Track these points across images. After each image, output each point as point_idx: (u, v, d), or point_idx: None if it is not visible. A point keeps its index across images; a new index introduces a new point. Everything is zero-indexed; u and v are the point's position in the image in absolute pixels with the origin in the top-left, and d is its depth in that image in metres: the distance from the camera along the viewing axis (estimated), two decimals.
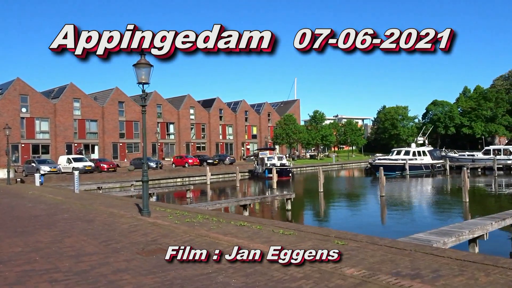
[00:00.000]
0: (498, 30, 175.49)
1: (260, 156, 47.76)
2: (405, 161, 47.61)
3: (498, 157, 51.79)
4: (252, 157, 63.84)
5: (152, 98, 62.46)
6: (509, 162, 50.13)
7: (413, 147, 51.53)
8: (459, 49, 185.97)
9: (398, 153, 50.72)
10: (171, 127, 64.86)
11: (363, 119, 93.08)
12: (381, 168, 29.43)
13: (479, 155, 53.70)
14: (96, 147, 56.58)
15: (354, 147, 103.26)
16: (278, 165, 43.38)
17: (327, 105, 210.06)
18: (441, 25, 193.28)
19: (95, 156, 55.02)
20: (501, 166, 50.44)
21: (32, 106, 50.53)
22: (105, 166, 45.28)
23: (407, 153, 49.98)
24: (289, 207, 22.74)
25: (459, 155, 56.99)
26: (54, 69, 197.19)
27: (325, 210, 25.29)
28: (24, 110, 50.06)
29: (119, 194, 27.02)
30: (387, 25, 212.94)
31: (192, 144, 66.80)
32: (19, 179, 36.55)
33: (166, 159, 60.15)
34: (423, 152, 51.01)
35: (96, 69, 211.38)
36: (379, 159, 49.02)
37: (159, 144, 63.00)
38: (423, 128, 73.34)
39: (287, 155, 56.39)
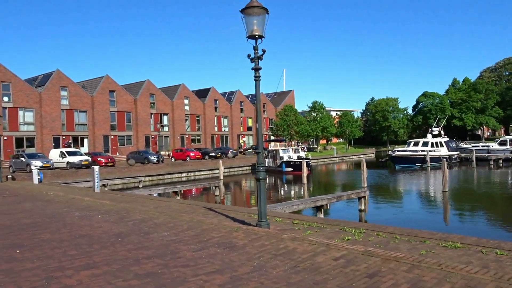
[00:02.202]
0: (485, 22, 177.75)
1: (270, 148, 44.10)
2: (425, 153, 45.06)
3: None
4: (250, 150, 60.22)
5: (145, 87, 57.82)
6: None
7: (430, 138, 49.11)
8: (448, 41, 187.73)
9: (416, 144, 48.23)
10: (165, 118, 60.36)
11: (350, 112, 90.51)
12: (444, 159, 26.32)
13: (494, 146, 51.89)
14: (85, 140, 51.64)
15: (341, 140, 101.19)
16: (295, 158, 39.90)
17: (313, 97, 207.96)
18: (430, 18, 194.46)
19: (85, 149, 50.03)
20: None
21: (15, 94, 45.15)
22: (103, 160, 40.70)
23: (425, 144, 47.50)
24: (362, 206, 19.39)
25: (472, 146, 55.09)
26: (37, 54, 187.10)
27: (415, 211, 22.04)
28: (6, 99, 44.66)
29: (143, 193, 22.98)
30: (373, 17, 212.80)
31: (187, 136, 62.56)
32: (10, 176, 31.72)
33: (160, 152, 55.63)
34: (440, 143, 48.72)
35: (84, 55, 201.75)
36: (398, 151, 46.29)
37: (152, 136, 58.50)
38: (437, 118, 71.33)
39: (304, 147, 52.91)
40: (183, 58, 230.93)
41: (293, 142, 51.59)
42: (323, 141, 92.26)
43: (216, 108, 66.98)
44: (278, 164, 40.92)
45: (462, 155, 51.95)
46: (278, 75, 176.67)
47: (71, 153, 39.17)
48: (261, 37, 9.36)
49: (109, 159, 41.60)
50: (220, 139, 67.29)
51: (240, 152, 59.29)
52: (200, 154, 49.93)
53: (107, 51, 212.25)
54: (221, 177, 39.44)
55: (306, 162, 39.85)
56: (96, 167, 20.35)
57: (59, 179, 33.24)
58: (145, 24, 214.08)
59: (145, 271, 5.56)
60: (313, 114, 69.96)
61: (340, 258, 5.82)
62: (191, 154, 49.09)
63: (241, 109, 70.78)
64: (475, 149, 50.92)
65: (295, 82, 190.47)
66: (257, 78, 9.66)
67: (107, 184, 32.44)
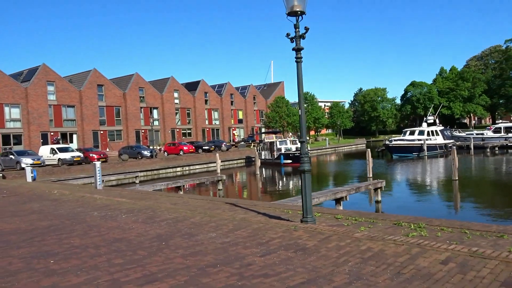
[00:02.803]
0: (471, 10, 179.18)
1: (266, 140, 43.22)
2: (422, 142, 44.78)
3: (510, 134, 50.25)
4: (243, 143, 59.35)
5: (134, 81, 56.24)
6: None
7: (425, 127, 48.89)
8: (434, 30, 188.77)
9: (412, 133, 47.93)
10: (155, 112, 58.91)
11: (339, 103, 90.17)
12: (454, 148, 25.79)
13: (488, 133, 51.96)
14: (74, 136, 49.99)
15: (330, 131, 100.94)
16: (294, 149, 39.09)
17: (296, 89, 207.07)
18: (416, 7, 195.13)
19: (74, 145, 48.38)
20: None
21: (0, 90, 43.21)
22: (95, 156, 39.26)
23: (421, 133, 47.24)
24: (379, 198, 18.73)
25: (466, 134, 55.16)
26: (20, 48, 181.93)
27: (423, 200, 21.44)
28: None
29: (147, 189, 21.94)
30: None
31: (177, 130, 61.27)
32: (0, 175, 30.27)
33: (151, 147, 54.26)
34: (436, 131, 48.54)
35: (70, 49, 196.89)
36: (395, 140, 45.91)
37: (143, 131, 57.10)
38: (431, 107, 71.26)
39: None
40: (172, 50, 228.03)
41: (290, 134, 50.72)
42: (312, 132, 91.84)
43: (206, 101, 65.73)
44: (275, 156, 40.05)
45: (457, 143, 51.91)
46: (266, 67, 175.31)
47: (62, 150, 37.73)
48: (302, 13, 8.53)
49: (102, 155, 40.24)
50: (211, 132, 66.16)
51: (235, 146, 58.32)
52: (193, 147, 48.78)
53: (93, 44, 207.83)
54: (218, 171, 38.44)
55: None
56: (98, 163, 19.35)
57: (51, 177, 31.91)
58: (132, 17, 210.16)
59: (223, 283, 4.65)
60: (305, 105, 69.17)
61: (449, 262, 5.00)
62: (185, 148, 47.90)
63: (232, 102, 69.65)
64: (471, 137, 50.97)
65: (283, 74, 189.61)
66: (298, 60, 8.78)
67: (103, 180, 31.11)
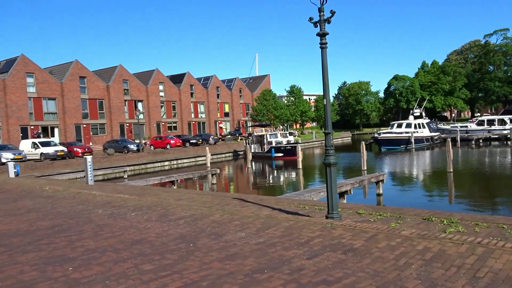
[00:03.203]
0: (451, 5, 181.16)
1: (256, 134, 42.62)
2: (410, 135, 44.89)
3: (492, 127, 50.91)
4: (229, 136, 58.63)
5: (118, 73, 54.78)
6: (504, 132, 49.25)
7: (412, 120, 49.06)
8: (416, 23, 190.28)
9: (399, 126, 48.02)
10: (140, 105, 57.56)
11: (320, 96, 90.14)
12: (449, 140, 25.68)
13: (472, 126, 52.51)
14: (56, 130, 48.41)
15: (315, 124, 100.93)
16: (285, 143, 38.61)
17: (286, 82, 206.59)
18: (398, 1, 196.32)
19: (56, 139, 46.86)
20: (496, 136, 49.56)
21: None
22: (79, 150, 38.07)
23: (408, 125, 47.37)
24: (380, 191, 18.40)
25: (451, 126, 55.69)
26: None
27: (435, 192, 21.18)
28: None
29: (139, 184, 21.13)
30: None
31: (163, 123, 60.11)
32: None
33: (137, 141, 53.09)
34: (422, 124, 48.79)
35: (49, 40, 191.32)
36: (384, 133, 45.91)
37: (127, 124, 55.79)
38: (417, 100, 71.62)
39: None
40: (156, 42, 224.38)
41: (281, 127, 50.23)
42: (297, 126, 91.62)
43: (192, 94, 64.62)
44: (266, 150, 39.48)
45: (443, 135, 52.35)
46: (251, 60, 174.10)
47: (44, 144, 36.42)
48: None
49: (86, 149, 39.00)
50: (197, 125, 65.15)
51: (222, 139, 57.51)
52: (180, 141, 47.86)
53: (75, 35, 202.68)
54: (208, 164, 37.76)
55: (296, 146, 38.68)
56: (89, 158, 18.49)
57: (34, 172, 30.77)
58: (115, 7, 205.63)
59: None
60: (292, 98, 68.72)
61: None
62: (172, 141, 46.93)
63: (218, 95, 68.68)
64: (457, 130, 51.45)
65: (268, 67, 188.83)
66: (323, 45, 8.19)
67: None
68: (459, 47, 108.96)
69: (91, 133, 51.72)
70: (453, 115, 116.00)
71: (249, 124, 71.11)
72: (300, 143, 39.08)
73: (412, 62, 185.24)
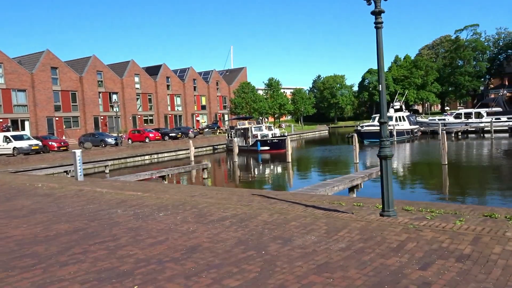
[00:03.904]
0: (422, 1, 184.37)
1: (239, 126, 41.64)
2: (391, 127, 45.00)
3: (470, 120, 51.85)
4: (208, 130, 57.47)
5: (91, 64, 52.46)
6: (481, 125, 50.22)
7: (393, 113, 49.28)
8: (389, 18, 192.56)
9: None
10: (115, 97, 55.39)
11: (301, 89, 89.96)
12: (444, 132, 25.54)
13: (450, 119, 53.32)
14: (26, 123, 45.90)
15: (290, 117, 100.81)
16: (270, 136, 37.84)
17: (260, 75, 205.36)
18: None
19: (26, 133, 44.41)
20: (473, 129, 50.47)
21: None
22: (55, 144, 36.18)
23: (389, 118, 47.48)
24: None
25: (429, 120, 56.42)
26: None
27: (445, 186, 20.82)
28: None
29: (131, 179, 19.93)
30: None
31: (139, 116, 58.22)
32: None
33: (115, 134, 51.15)
34: (402, 117, 49.13)
35: (18, 29, 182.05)
36: (366, 126, 45.86)
37: (102, 117, 53.65)
38: (397, 93, 72.20)
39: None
40: (131, 33, 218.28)
41: (266, 120, 49.39)
42: (271, 119, 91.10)
43: (168, 86, 62.86)
44: (251, 143, 38.57)
45: (422, 128, 53.00)
46: (227, 53, 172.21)
47: (17, 138, 34.33)
48: None
49: (62, 143, 37.11)
50: (173, 118, 63.50)
51: (201, 133, 56.24)
52: (159, 135, 46.35)
53: (46, 23, 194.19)
54: (192, 158, 36.59)
55: (284, 140, 37.93)
56: (78, 151, 17.13)
57: (7, 167, 28.91)
58: None
59: None
60: (270, 91, 68.01)
61: None
62: (150, 135, 45.41)
63: (195, 87, 67.14)
64: (434, 123, 52.16)
65: (244, 60, 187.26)
66: (379, 24, 7.40)
67: (70, 170, 28.51)
68: (430, 42, 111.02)
69: (64, 127, 49.40)
70: (424, 108, 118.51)
71: (227, 117, 70.02)
72: (286, 136, 38.40)
73: (386, 56, 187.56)
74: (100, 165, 31.05)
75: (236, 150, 33.25)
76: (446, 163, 24.24)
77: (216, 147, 48.05)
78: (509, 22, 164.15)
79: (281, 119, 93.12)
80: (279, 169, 29.33)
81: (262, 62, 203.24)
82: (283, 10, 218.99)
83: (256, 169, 30.99)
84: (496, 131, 46.47)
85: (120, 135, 45.97)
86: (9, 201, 10.58)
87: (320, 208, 7.79)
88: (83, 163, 32.38)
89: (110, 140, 40.94)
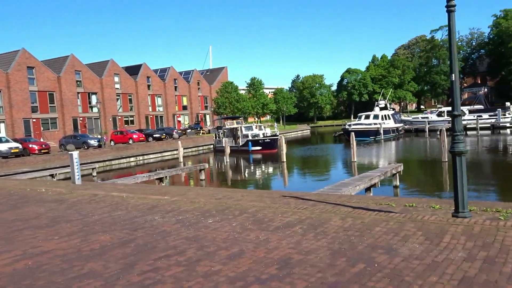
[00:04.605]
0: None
1: (228, 126, 40.75)
2: (378, 126, 45.07)
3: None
4: (190, 130, 56.38)
5: (69, 64, 50.52)
6: (463, 122, 50.84)
7: (378, 111, 49.41)
8: (366, 17, 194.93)
9: (367, 117, 48.17)
10: (94, 98, 53.57)
11: (282, 89, 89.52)
12: (443, 129, 25.38)
13: (433, 117, 53.87)
14: (2, 125, 43.71)
15: (269, 117, 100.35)
16: (261, 136, 37.09)
17: (240, 75, 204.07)
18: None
19: (2, 135, 42.26)
20: None
21: None
22: (36, 147, 34.45)
23: (375, 117, 47.63)
24: (397, 182, 17.47)
25: (412, 118, 56.93)
26: None
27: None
28: None
29: (128, 182, 18.88)
30: None
31: (119, 117, 56.52)
32: None
33: (98, 136, 49.35)
34: (388, 116, 49.31)
35: None
36: (354, 125, 45.72)
37: (81, 119, 51.74)
38: (382, 91, 72.55)
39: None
40: (110, 32, 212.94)
41: (256, 119, 48.52)
42: (251, 119, 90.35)
43: (149, 86, 61.31)
44: (241, 143, 37.70)
45: (406, 126, 53.40)
46: (205, 52, 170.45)
47: None
48: None
49: (43, 146, 35.36)
50: (155, 119, 61.97)
51: (185, 134, 55.01)
52: (143, 136, 44.96)
53: (22, 22, 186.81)
54: (181, 159, 35.54)
55: (276, 140, 37.29)
56: (75, 153, 16.00)
57: None
58: None
59: None
60: (252, 91, 67.26)
61: None
62: (134, 136, 43.98)
63: (176, 87, 65.77)
64: (417, 121, 52.69)
65: (221, 60, 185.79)
66: (451, 8, 6.77)
67: (56, 173, 27.10)
68: (406, 42, 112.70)
69: (42, 128, 47.36)
70: (400, 107, 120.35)
71: (210, 118, 69.00)
72: (278, 136, 37.78)
73: (363, 55, 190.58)
74: (87, 168, 29.58)
75: (228, 150, 32.36)
76: (446, 160, 24.08)
77: (201, 147, 47.08)
78: (482, 22, 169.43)
79: (261, 119, 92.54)
80: (278, 169, 28.58)
81: (241, 62, 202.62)
82: (261, 11, 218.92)
83: (253, 169, 30.29)
84: (476, 129, 47.29)
85: (103, 136, 44.33)
86: (18, 209, 9.46)
87: (375, 210, 7.11)
88: (67, 166, 31.00)
89: (93, 142, 39.44)
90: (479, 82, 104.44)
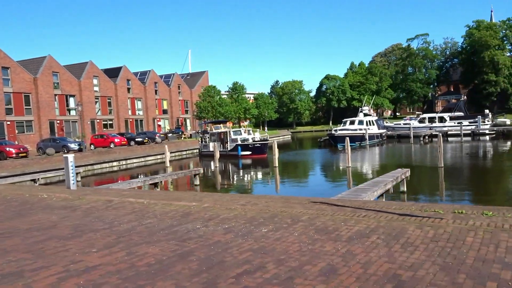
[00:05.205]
0: (378, 9, 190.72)
1: (215, 131, 39.84)
2: (364, 132, 45.12)
3: (433, 124, 53.27)
4: (172, 134, 55.13)
5: (46, 65, 48.53)
6: (444, 129, 51.68)
7: (362, 117, 49.54)
8: (344, 26, 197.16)
9: (352, 123, 48.17)
10: (72, 100, 51.69)
11: (263, 94, 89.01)
12: (440, 135, 25.27)
13: (414, 123, 54.42)
14: None
15: (248, 122, 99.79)
16: (251, 140, 36.36)
17: (220, 78, 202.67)
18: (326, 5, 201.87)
19: None
20: (436, 133, 51.76)
21: None
22: (13, 151, 32.70)
23: (360, 123, 47.70)
24: (404, 188, 17.09)
25: (394, 124, 57.42)
26: None
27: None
28: None
29: (123, 187, 17.90)
30: None
31: (98, 121, 54.68)
32: None
33: (78, 139, 47.51)
34: (372, 121, 49.50)
35: None
36: (340, 130, 45.57)
37: (58, 122, 49.75)
38: (365, 98, 72.90)
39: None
40: (89, 33, 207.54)
41: (246, 123, 47.73)
42: (229, 124, 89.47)
43: (129, 89, 59.65)
44: (230, 148, 36.83)
45: (388, 132, 53.78)
46: (184, 56, 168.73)
47: None
48: None
49: (21, 149, 33.58)
50: (134, 123, 60.32)
51: (166, 138, 53.66)
52: (125, 140, 43.51)
53: None
54: (168, 164, 34.40)
55: (266, 145, 36.62)
56: (71, 156, 15.03)
57: None
58: None
59: None
60: (234, 95, 66.52)
61: None
62: (116, 140, 42.47)
63: (156, 91, 64.29)
64: (399, 127, 53.21)
65: (201, 65, 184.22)
66: None
67: (38, 178, 25.62)
68: (383, 50, 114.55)
69: (17, 131, 45.17)
70: (377, 114, 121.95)
71: (189, 122, 67.86)
72: (268, 140, 37.10)
73: (342, 63, 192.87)
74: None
75: (218, 155, 31.46)
76: (443, 165, 23.99)
77: (185, 152, 46.01)
78: (455, 32, 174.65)
79: (241, 124, 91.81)
80: (271, 174, 27.84)
81: (221, 67, 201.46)
82: (241, 16, 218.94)
83: (248, 174, 29.49)
84: (458, 135, 48.08)
85: (81, 140, 42.64)
86: (25, 216, 8.45)
87: (426, 217, 6.57)
88: (49, 170, 29.48)
89: (73, 146, 37.84)
90: (452, 90, 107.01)
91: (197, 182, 22.94)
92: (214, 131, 39.62)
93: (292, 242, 5.51)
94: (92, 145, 42.87)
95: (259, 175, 28.61)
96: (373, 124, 49.57)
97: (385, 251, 4.96)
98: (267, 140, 36.71)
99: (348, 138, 28.51)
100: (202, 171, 24.17)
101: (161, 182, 20.56)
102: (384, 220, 6.53)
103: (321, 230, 6.08)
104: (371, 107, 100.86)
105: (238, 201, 9.54)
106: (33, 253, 5.62)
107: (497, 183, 20.76)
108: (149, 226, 6.96)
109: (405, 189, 17.32)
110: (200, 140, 42.38)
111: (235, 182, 25.94)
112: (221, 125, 41.05)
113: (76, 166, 30.22)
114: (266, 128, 73.70)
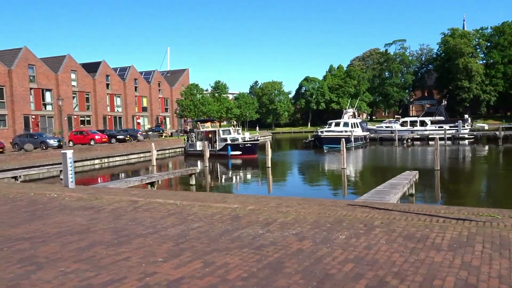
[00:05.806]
0: (357, 13, 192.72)
1: (202, 129, 38.86)
2: (349, 133, 45.09)
3: (415, 128, 53.91)
4: (153, 132, 53.78)
5: (22, 57, 46.33)
6: (426, 132, 52.37)
7: (347, 119, 49.58)
8: (324, 29, 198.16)
9: (337, 124, 48.12)
10: (48, 95, 49.59)
11: (244, 94, 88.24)
12: (437, 137, 25.27)
13: (396, 126, 54.90)
14: None
15: (225, 122, 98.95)
16: (240, 140, 35.57)
17: (200, 77, 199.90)
18: (307, 8, 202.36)
19: None
20: (418, 136, 52.46)
21: None
22: None
23: (345, 124, 47.71)
24: (412, 190, 16.76)
25: (376, 127, 57.81)
26: None
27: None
28: None
29: (120, 186, 16.92)
30: None
31: (75, 117, 52.66)
32: None
33: (56, 135, 45.47)
34: (356, 124, 49.63)
35: None
36: (326, 132, 45.38)
37: (33, 117, 47.60)
38: (350, 100, 72.95)
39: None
40: (67, 25, 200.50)
41: (235, 122, 46.81)
42: (207, 124, 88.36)
43: (108, 85, 57.76)
44: (218, 147, 35.89)
45: (372, 135, 54.08)
46: (163, 53, 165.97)
47: None
48: None
49: None
50: (113, 120, 58.46)
51: (147, 137, 52.17)
52: (106, 137, 41.94)
53: None
54: (154, 163, 33.26)
55: (256, 145, 35.91)
56: (69, 153, 13.88)
57: None
58: None
59: None
60: (216, 94, 65.54)
61: None
62: (96, 137, 40.89)
63: (136, 87, 62.58)
64: (382, 130, 53.62)
65: (181, 63, 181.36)
66: None
67: (19, 176, 24.12)
68: (361, 54, 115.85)
69: None
70: (355, 117, 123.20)
71: (169, 120, 66.54)
72: (258, 140, 36.38)
73: (320, 65, 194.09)
74: (54, 169, 26.72)
75: (208, 154, 30.57)
76: (439, 168, 23.95)
77: (168, 151, 44.82)
78: (431, 39, 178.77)
79: (219, 124, 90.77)
80: (267, 175, 27.15)
81: (201, 66, 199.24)
82: (221, 15, 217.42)
83: (242, 174, 28.66)
84: (441, 139, 48.62)
85: (61, 136, 40.81)
86: (44, 218, 7.49)
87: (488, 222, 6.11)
88: (30, 167, 27.93)
89: (53, 142, 36.14)
90: (426, 95, 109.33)
91: (193, 182, 22.06)
92: (201, 129, 38.64)
93: (389, 251, 4.89)
94: (70, 142, 41.10)
95: (256, 175, 27.86)
96: (358, 126, 49.68)
97: (508, 264, 4.39)
98: (257, 140, 36.02)
99: (343, 139, 28.13)
100: (198, 170, 23.30)
101: (158, 181, 19.60)
102: (468, 226, 5.99)
103: (410, 237, 5.48)
104: (355, 109, 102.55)
105: (268, 203, 8.85)
106: (87, 263, 4.78)
107: (499, 186, 20.81)
108: (202, 231, 6.19)
109: (414, 191, 17.01)
110: (185, 139, 41.29)
111: (236, 182, 25.16)
112: (209, 124, 40.10)
113: (54, 164, 28.84)
114: (246, 128, 73.02)
